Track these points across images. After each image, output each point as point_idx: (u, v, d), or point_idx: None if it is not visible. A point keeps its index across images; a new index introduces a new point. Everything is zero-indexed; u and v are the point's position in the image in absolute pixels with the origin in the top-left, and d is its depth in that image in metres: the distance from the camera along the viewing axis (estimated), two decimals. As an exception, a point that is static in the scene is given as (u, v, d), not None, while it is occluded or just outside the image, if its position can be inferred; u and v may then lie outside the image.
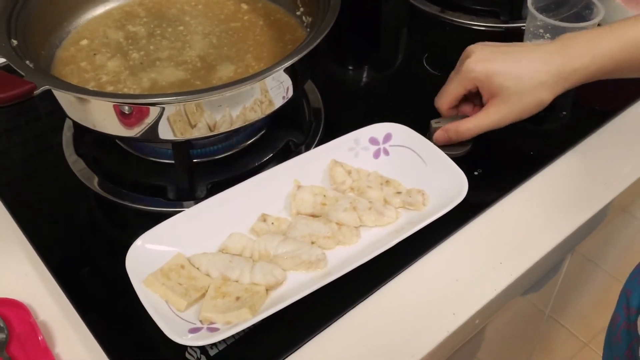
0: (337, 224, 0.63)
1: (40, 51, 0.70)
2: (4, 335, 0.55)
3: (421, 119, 0.72)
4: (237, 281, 0.58)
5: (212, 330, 0.53)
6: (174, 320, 0.54)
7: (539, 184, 0.70)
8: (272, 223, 0.63)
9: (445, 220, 0.61)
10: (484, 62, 0.67)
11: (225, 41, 0.75)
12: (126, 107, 0.57)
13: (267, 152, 0.72)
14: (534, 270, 0.63)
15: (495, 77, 0.65)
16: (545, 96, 0.65)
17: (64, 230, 0.66)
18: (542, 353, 1.27)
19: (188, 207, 0.62)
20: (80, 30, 0.76)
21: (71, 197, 0.70)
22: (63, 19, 0.76)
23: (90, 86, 0.68)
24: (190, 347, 0.54)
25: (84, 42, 0.74)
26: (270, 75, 0.59)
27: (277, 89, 0.62)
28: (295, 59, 0.60)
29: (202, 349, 0.54)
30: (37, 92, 0.56)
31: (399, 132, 0.70)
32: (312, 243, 0.61)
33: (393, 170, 0.68)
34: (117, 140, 0.73)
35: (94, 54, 0.72)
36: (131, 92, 0.67)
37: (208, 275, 0.58)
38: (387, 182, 0.67)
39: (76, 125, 0.72)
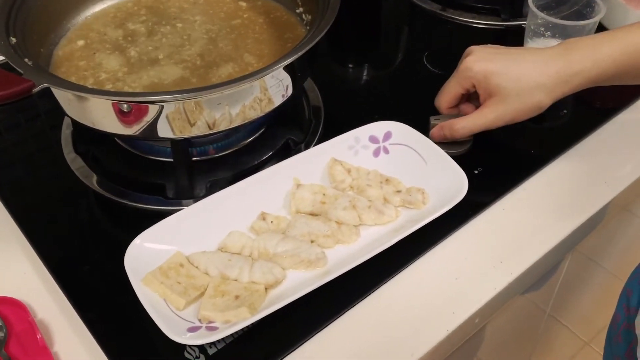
0: (337, 222, 0.63)
1: (39, 49, 0.70)
2: (2, 334, 0.55)
3: (421, 118, 0.72)
4: (236, 280, 0.58)
5: (211, 329, 0.53)
6: (172, 319, 0.54)
7: (540, 183, 0.70)
8: (272, 221, 0.63)
9: (445, 219, 0.61)
10: (482, 61, 0.66)
11: (225, 39, 0.75)
12: (125, 105, 0.57)
13: (267, 150, 0.72)
14: (534, 269, 0.63)
15: (492, 76, 0.65)
16: (543, 99, 0.65)
17: (62, 228, 0.66)
18: (543, 352, 1.27)
19: (187, 205, 0.62)
20: (80, 28, 0.76)
21: (70, 196, 0.69)
22: (62, 16, 0.75)
23: (89, 84, 0.68)
24: (189, 346, 0.54)
25: (83, 40, 0.74)
26: (269, 73, 0.59)
27: (277, 87, 0.62)
28: (295, 57, 0.60)
29: (201, 347, 0.54)
30: (35, 90, 0.56)
31: (399, 131, 0.69)
32: (312, 242, 0.61)
33: (393, 168, 0.68)
34: (116, 139, 0.72)
35: (93, 52, 0.72)
36: (130, 90, 0.67)
37: (207, 273, 0.58)
38: (387, 180, 0.67)
39: (75, 124, 0.72)
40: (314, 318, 0.57)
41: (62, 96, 0.59)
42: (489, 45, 0.69)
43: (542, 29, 0.80)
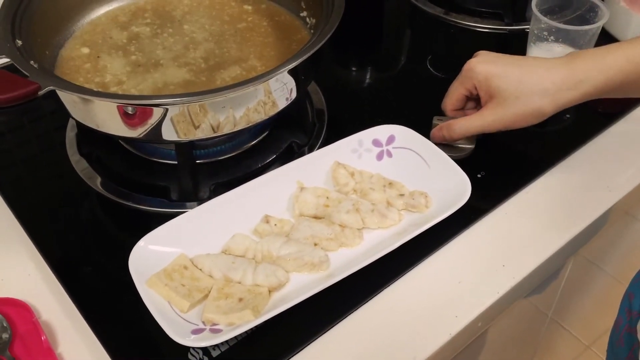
0: (340, 225, 0.63)
1: (45, 51, 0.70)
2: (7, 335, 0.55)
3: (425, 121, 0.72)
4: (239, 282, 0.58)
5: (215, 331, 0.53)
6: (176, 321, 0.54)
7: (542, 187, 0.70)
8: (275, 224, 0.63)
9: (448, 223, 0.61)
10: (485, 63, 0.66)
11: (229, 42, 0.75)
12: (130, 108, 0.57)
13: (270, 153, 0.72)
14: (537, 273, 0.63)
15: (493, 78, 0.65)
16: (545, 105, 0.64)
17: (66, 230, 0.66)
18: (544, 356, 1.27)
19: (191, 208, 0.62)
20: (84, 31, 0.76)
21: (74, 197, 0.70)
22: (67, 19, 0.76)
23: (94, 86, 0.68)
24: (193, 348, 0.54)
25: (88, 42, 0.74)
26: (274, 76, 0.59)
27: (281, 90, 0.62)
28: (300, 60, 0.60)
29: (205, 350, 0.54)
30: (41, 92, 0.56)
31: (402, 134, 0.69)
32: (315, 245, 0.61)
33: (396, 172, 0.68)
34: (120, 141, 0.73)
35: (98, 55, 0.72)
36: (135, 92, 0.68)
37: (211, 276, 0.58)
38: (390, 184, 0.67)
39: (79, 125, 0.72)
40: (317, 321, 0.57)
41: (67, 98, 0.60)
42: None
43: (545, 33, 0.80)
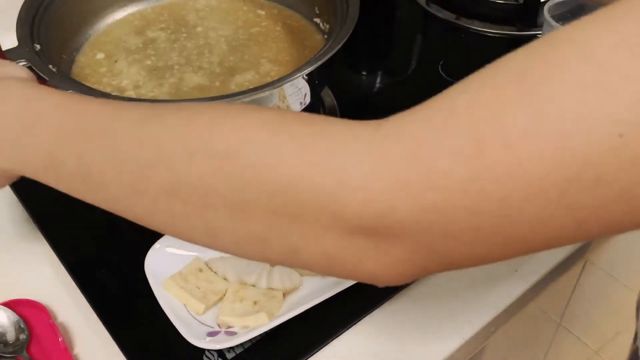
0: (354, 229, 0.63)
1: (61, 55, 0.71)
2: (24, 336, 0.56)
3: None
4: (254, 285, 0.58)
5: (230, 334, 0.54)
6: (192, 323, 0.55)
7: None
8: (289, 228, 0.63)
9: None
10: None
11: (244, 47, 0.76)
12: None
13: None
14: (549, 277, 0.64)
15: None
16: None
17: (83, 232, 0.67)
18: (553, 360, 1.27)
19: (206, 211, 0.63)
20: (101, 35, 0.77)
21: (90, 200, 0.70)
22: (84, 23, 0.76)
23: (110, 90, 0.69)
24: (208, 350, 0.55)
25: (104, 47, 0.75)
26: (289, 81, 0.60)
27: (296, 95, 0.63)
28: (315, 65, 0.61)
29: (220, 352, 0.55)
30: None
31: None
32: (329, 248, 0.62)
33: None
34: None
35: (115, 60, 0.73)
36: (151, 97, 0.68)
37: (226, 279, 0.59)
38: (403, 188, 0.67)
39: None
40: (331, 324, 0.57)
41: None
42: None
43: (557, 39, 0.80)
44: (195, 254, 0.60)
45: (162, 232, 0.40)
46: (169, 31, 0.78)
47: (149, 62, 0.73)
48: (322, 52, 0.63)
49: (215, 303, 0.57)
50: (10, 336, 0.56)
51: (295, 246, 0.34)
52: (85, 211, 0.69)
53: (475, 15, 0.97)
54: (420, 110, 0.33)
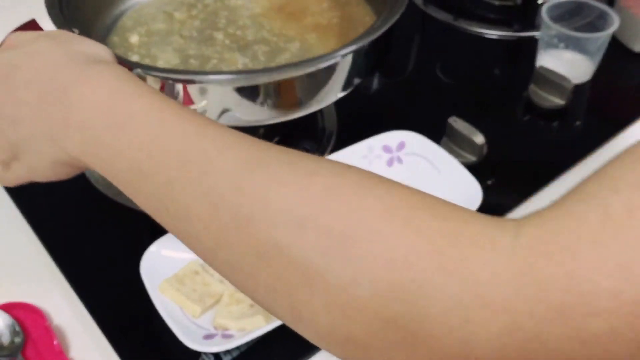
0: (351, 231, 0.63)
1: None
2: (19, 340, 0.56)
3: (435, 128, 0.72)
4: (251, 288, 0.58)
5: (227, 336, 0.53)
6: (188, 326, 0.54)
7: (553, 194, 0.69)
8: (286, 230, 0.63)
9: (459, 229, 0.61)
10: None
11: (281, 28, 0.73)
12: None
13: (281, 159, 0.72)
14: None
15: None
16: None
17: (78, 234, 0.67)
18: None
19: (202, 213, 0.62)
20: (129, 17, 0.74)
21: (86, 201, 0.70)
22: (112, 5, 0.74)
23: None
24: (205, 353, 0.54)
25: (136, 29, 0.73)
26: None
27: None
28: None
29: (216, 355, 0.55)
30: None
31: (413, 141, 0.70)
32: (326, 250, 0.61)
33: (406, 178, 0.67)
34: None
35: (147, 43, 0.70)
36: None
37: (222, 281, 0.58)
38: (401, 190, 0.67)
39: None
40: (328, 327, 0.57)
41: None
42: None
43: (555, 40, 0.80)
44: (191, 256, 0.59)
45: (235, 286, 0.36)
46: (202, 9, 0.75)
47: (183, 42, 0.70)
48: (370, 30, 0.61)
49: (212, 306, 0.57)
50: (5, 339, 0.56)
51: None
52: (81, 214, 0.69)
53: (473, 17, 0.97)
54: (564, 215, 0.28)
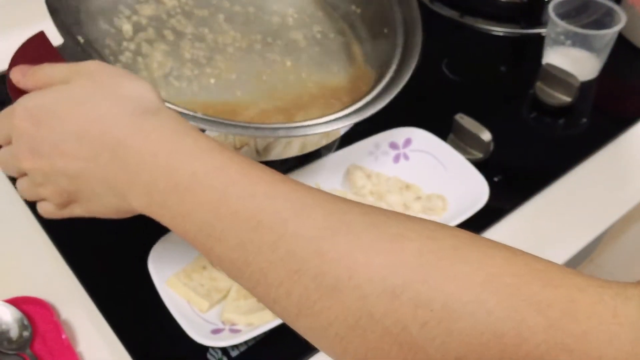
0: (358, 227, 0.63)
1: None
2: (27, 334, 0.56)
3: (441, 124, 0.73)
4: (258, 283, 0.58)
5: (234, 331, 0.54)
6: (196, 320, 0.54)
7: (559, 191, 0.70)
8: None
9: (465, 226, 0.61)
10: None
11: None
12: None
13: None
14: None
15: None
16: None
17: (86, 229, 0.66)
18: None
19: (210, 208, 0.63)
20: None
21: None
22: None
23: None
24: (212, 347, 0.55)
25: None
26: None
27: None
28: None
29: (224, 349, 0.55)
30: None
31: (419, 137, 0.70)
32: (333, 246, 0.61)
33: (413, 175, 0.68)
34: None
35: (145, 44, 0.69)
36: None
37: (229, 276, 0.59)
38: (407, 187, 0.67)
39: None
40: (335, 322, 0.57)
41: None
42: None
43: (562, 37, 0.80)
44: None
45: (318, 348, 0.34)
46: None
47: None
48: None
49: (219, 300, 0.57)
50: (14, 333, 0.56)
51: None
52: (88, 208, 0.69)
53: (479, 13, 0.97)
54: None
